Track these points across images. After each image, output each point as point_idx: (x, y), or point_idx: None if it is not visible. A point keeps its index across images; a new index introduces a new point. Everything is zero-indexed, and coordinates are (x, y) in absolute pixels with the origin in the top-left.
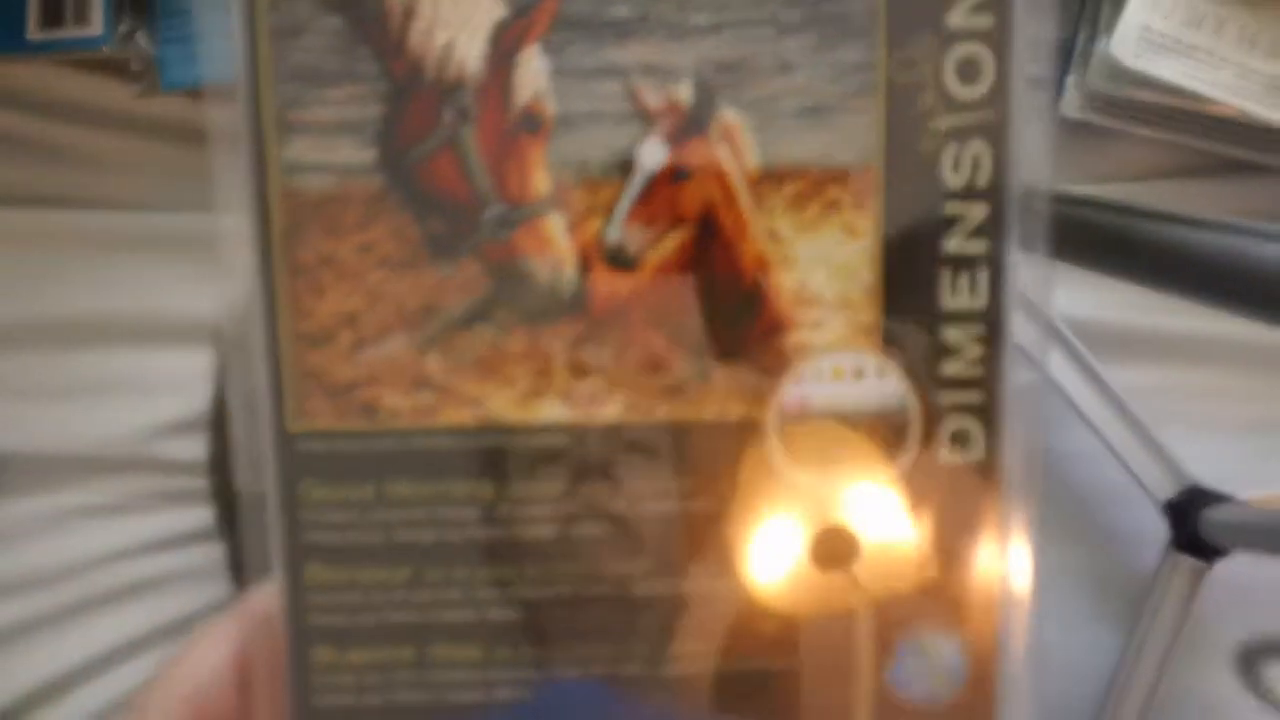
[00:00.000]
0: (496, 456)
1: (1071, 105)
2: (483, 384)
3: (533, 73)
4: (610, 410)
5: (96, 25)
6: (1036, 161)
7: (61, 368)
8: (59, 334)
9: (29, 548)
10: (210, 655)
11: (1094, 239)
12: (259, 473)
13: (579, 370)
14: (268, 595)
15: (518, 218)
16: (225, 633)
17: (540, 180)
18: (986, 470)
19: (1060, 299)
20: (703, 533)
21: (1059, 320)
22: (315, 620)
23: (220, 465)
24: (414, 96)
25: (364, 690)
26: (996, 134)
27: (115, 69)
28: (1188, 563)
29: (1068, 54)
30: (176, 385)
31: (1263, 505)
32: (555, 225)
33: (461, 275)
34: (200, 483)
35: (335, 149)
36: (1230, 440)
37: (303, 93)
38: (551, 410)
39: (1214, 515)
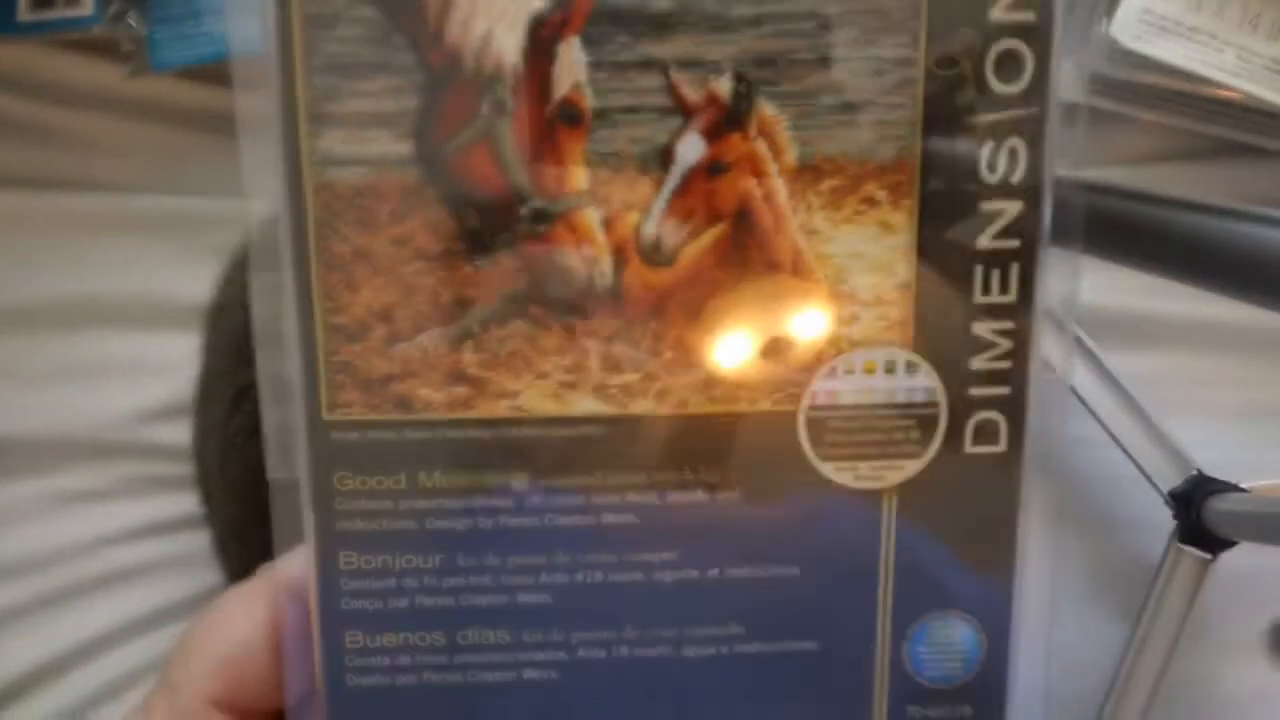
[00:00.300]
0: (530, 447)
1: (1071, 88)
2: (518, 378)
3: (571, 65)
4: (644, 404)
5: (87, 5)
6: (1072, 155)
7: (50, 351)
8: (47, 317)
9: (18, 532)
10: (244, 620)
11: (1095, 223)
12: (291, 461)
13: (613, 365)
14: (295, 564)
15: (555, 211)
16: (257, 598)
17: (578, 174)
18: (1008, 461)
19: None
20: (727, 524)
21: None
22: (348, 605)
23: (201, 450)
24: (451, 88)
25: (397, 671)
26: (1034, 131)
27: (106, 49)
28: (1192, 554)
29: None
30: (166, 369)
31: (1270, 494)
32: (592, 219)
33: (497, 269)
34: (186, 469)
35: (370, 141)
36: (1237, 427)
37: (337, 84)
38: (585, 403)
39: (1219, 505)
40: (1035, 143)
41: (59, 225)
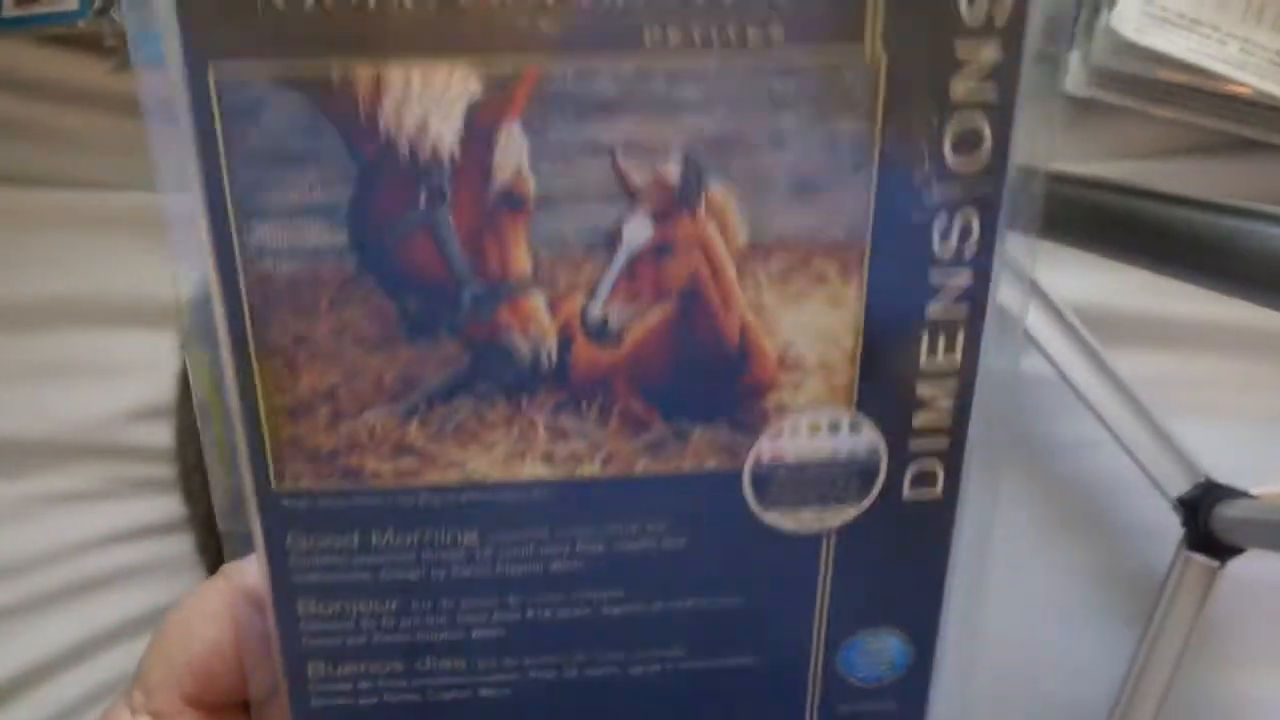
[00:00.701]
0: (479, 509)
1: (1075, 82)
2: (464, 449)
3: (512, 151)
4: (591, 468)
5: (71, 0)
6: (1025, 229)
7: (28, 350)
8: (26, 316)
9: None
10: (209, 621)
11: (1101, 221)
12: (243, 519)
13: (560, 434)
14: (252, 570)
15: (498, 297)
16: (219, 603)
17: (521, 258)
18: (944, 504)
19: (1066, 283)
20: (672, 565)
21: (1065, 306)
22: (309, 642)
23: (183, 450)
24: (386, 177)
25: (358, 694)
26: (988, 205)
27: (90, 45)
28: (1201, 561)
29: (1070, 30)
30: (145, 369)
31: (1278, 500)
32: (536, 303)
33: (440, 351)
34: (170, 470)
35: (304, 233)
36: (1246, 432)
37: (264, 175)
38: (533, 469)
39: (1228, 511)
40: (989, 216)
41: (39, 223)
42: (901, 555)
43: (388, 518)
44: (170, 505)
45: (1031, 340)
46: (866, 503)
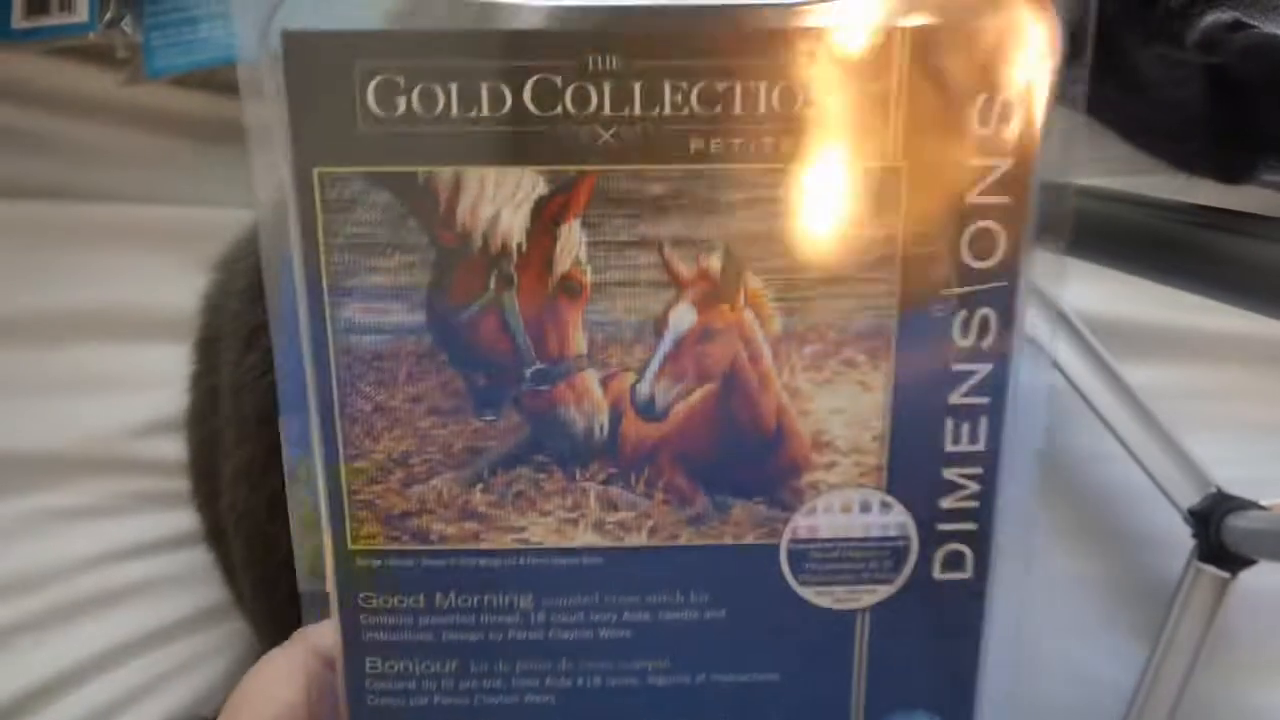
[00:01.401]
0: (534, 573)
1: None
2: (523, 515)
3: (572, 243)
4: (638, 537)
5: (82, 12)
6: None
7: (38, 364)
8: (35, 330)
9: (8, 551)
10: (284, 687)
11: (1113, 233)
12: (319, 577)
13: (610, 505)
14: (326, 633)
15: (556, 374)
16: (295, 664)
17: (577, 340)
18: (974, 586)
19: (1077, 294)
20: (715, 637)
21: (1075, 318)
22: (374, 701)
23: (204, 473)
24: (461, 264)
25: None
26: (1004, 301)
27: (100, 57)
28: (1212, 572)
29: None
30: (156, 382)
31: None
32: (590, 380)
33: (504, 423)
34: (180, 484)
35: (387, 312)
36: (1257, 443)
37: (357, 261)
38: (585, 537)
39: (1239, 523)
40: (1005, 312)
41: (49, 235)
42: (934, 636)
43: (451, 579)
44: (182, 520)
45: (1043, 351)
46: (898, 582)
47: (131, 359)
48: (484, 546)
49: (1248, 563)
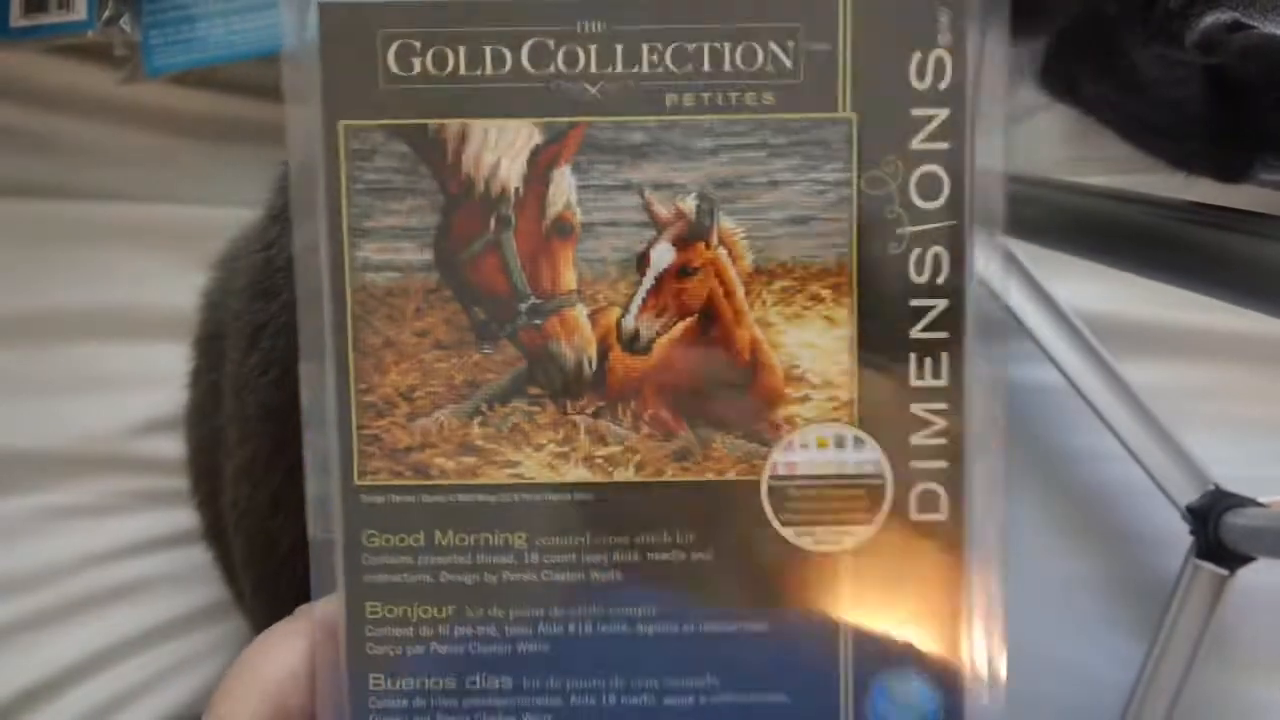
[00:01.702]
0: (528, 510)
1: None
2: (518, 450)
3: (564, 188)
4: (625, 473)
5: (80, 10)
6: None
7: (37, 363)
8: (34, 328)
9: (8, 549)
10: (286, 654)
11: (1111, 231)
12: (328, 522)
13: (599, 438)
14: (330, 606)
15: (549, 309)
16: (297, 635)
17: (568, 277)
18: (951, 529)
19: (1075, 292)
20: (702, 581)
21: (1074, 316)
22: (372, 650)
23: (204, 471)
24: (465, 207)
25: (413, 712)
26: (953, 239)
27: (99, 55)
28: (1210, 569)
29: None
30: (156, 381)
31: None
32: (580, 315)
33: (501, 356)
34: (180, 483)
35: (399, 251)
36: (1255, 441)
37: (373, 204)
38: (576, 472)
39: (1237, 520)
40: (955, 249)
41: (47, 234)
42: (916, 583)
43: (449, 516)
44: (182, 517)
45: (1042, 350)
46: (877, 522)
47: (130, 357)
48: (480, 481)
49: (1246, 560)
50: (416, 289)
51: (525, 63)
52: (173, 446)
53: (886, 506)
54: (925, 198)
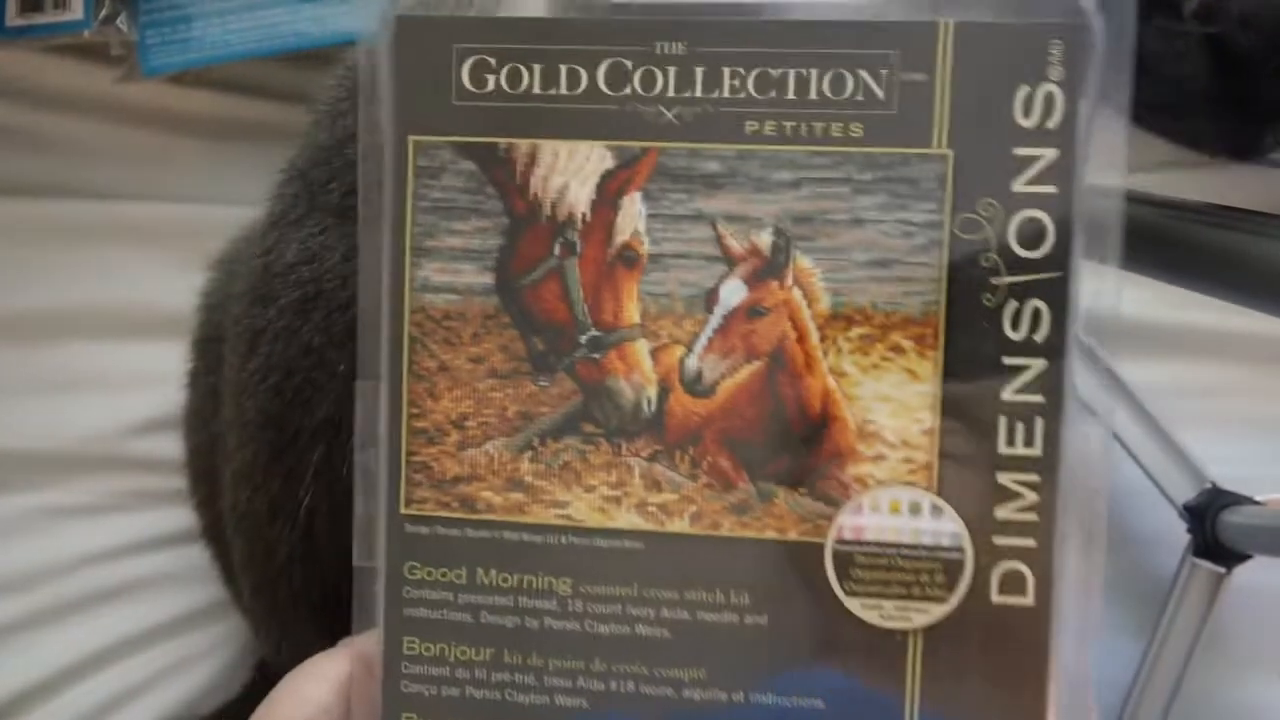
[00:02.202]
0: (574, 555)
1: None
2: (568, 489)
3: (633, 215)
4: (679, 523)
5: (77, 9)
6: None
7: (33, 363)
8: (32, 327)
9: (5, 549)
10: (320, 690)
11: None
12: (372, 551)
13: (653, 484)
14: (370, 640)
15: (609, 342)
16: (334, 667)
17: (631, 309)
18: (1037, 616)
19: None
20: (755, 648)
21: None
22: (408, 688)
23: (202, 473)
24: (529, 230)
25: None
26: (1056, 293)
27: (95, 54)
28: (1207, 568)
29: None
30: (152, 380)
31: None
32: (641, 351)
33: (557, 389)
34: (176, 483)
35: (460, 273)
36: (1253, 439)
37: (438, 223)
38: (627, 517)
39: (1234, 518)
40: (1057, 304)
41: (44, 234)
42: (995, 671)
43: (493, 553)
44: (178, 517)
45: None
46: (952, 602)
47: (127, 357)
48: (527, 520)
49: (1243, 558)
50: (475, 313)
51: (601, 83)
52: (170, 446)
53: (965, 585)
54: (1026, 246)
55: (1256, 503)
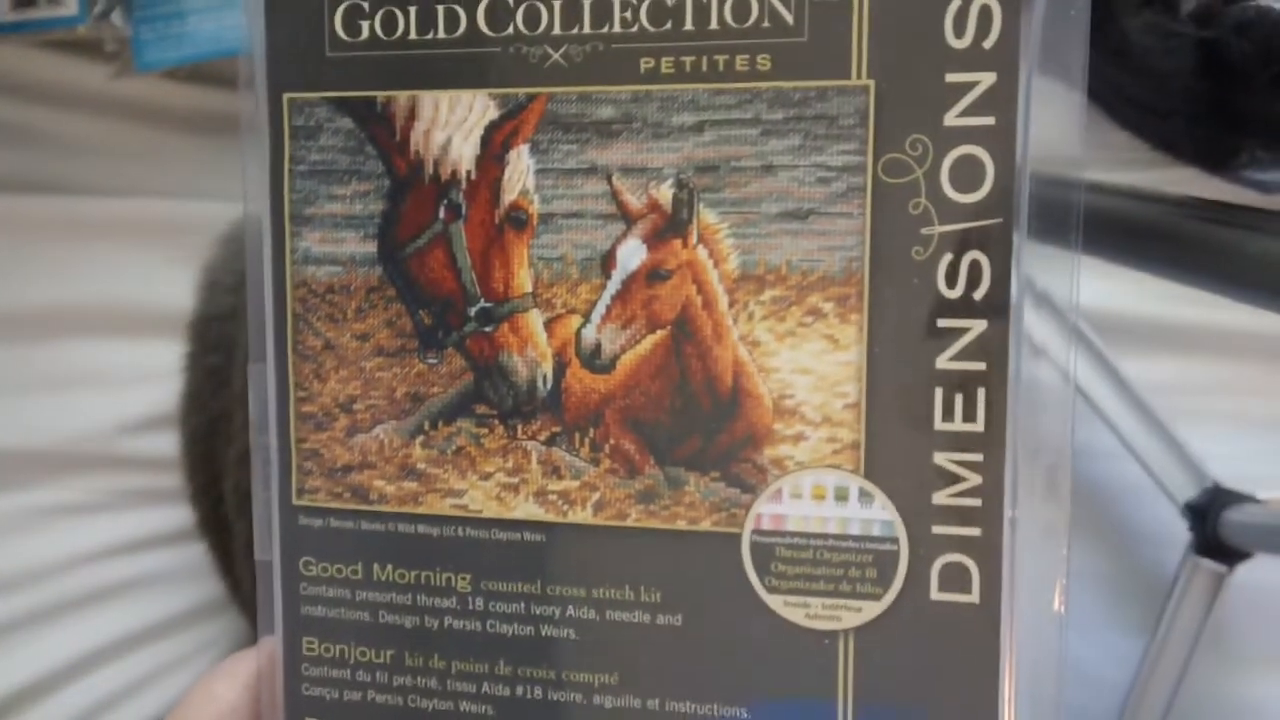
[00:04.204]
0: (472, 548)
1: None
2: (463, 477)
3: (520, 170)
4: (582, 513)
5: (71, 4)
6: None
7: (28, 361)
8: (25, 326)
9: (1, 547)
10: (229, 691)
11: (1108, 226)
12: (269, 543)
13: (552, 470)
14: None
15: (500, 314)
16: (246, 666)
17: (523, 277)
18: (983, 614)
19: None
20: (670, 651)
21: (1071, 310)
22: (308, 691)
23: (201, 458)
24: (412, 192)
25: None
26: (998, 243)
27: (89, 50)
28: (1208, 566)
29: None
30: (146, 379)
31: None
32: (535, 322)
33: (446, 367)
34: (171, 480)
35: (342, 241)
36: (1254, 438)
37: (316, 188)
38: (526, 507)
39: (1235, 517)
40: (999, 255)
41: (38, 230)
42: (935, 677)
43: (389, 548)
44: (173, 516)
45: (1037, 345)
46: (887, 599)
47: (123, 354)
48: (422, 511)
49: (1244, 556)
50: (359, 286)
51: (482, 24)
52: (165, 444)
53: (899, 581)
54: (961, 189)
55: (1258, 501)
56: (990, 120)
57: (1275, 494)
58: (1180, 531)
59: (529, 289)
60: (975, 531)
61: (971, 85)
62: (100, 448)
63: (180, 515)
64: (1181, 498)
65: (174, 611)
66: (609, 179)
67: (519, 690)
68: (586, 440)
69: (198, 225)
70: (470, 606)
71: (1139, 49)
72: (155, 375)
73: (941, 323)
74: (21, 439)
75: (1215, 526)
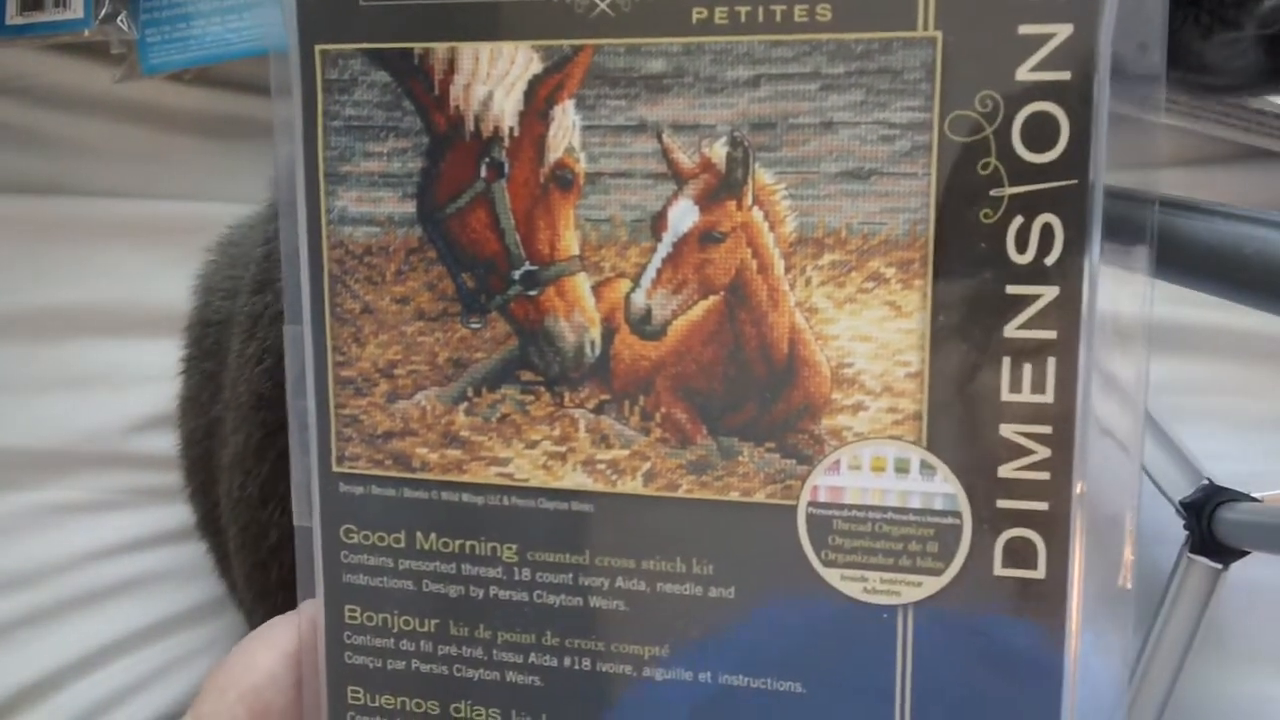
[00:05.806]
0: (518, 517)
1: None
2: (508, 445)
3: (566, 127)
4: (632, 483)
5: (77, 8)
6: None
7: (35, 360)
8: (31, 326)
9: (7, 546)
10: (268, 653)
11: (1107, 226)
12: (310, 509)
13: (601, 439)
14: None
15: (546, 277)
16: (283, 634)
17: (569, 239)
18: (1049, 592)
19: None
20: (722, 624)
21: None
22: (351, 659)
23: (198, 460)
24: (452, 150)
25: None
26: (1071, 206)
27: (96, 53)
28: (1204, 564)
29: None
30: (152, 378)
31: None
32: (582, 286)
33: (490, 331)
34: (176, 479)
35: (380, 201)
36: (1249, 436)
37: (352, 145)
38: (574, 476)
39: (1231, 515)
40: (1073, 220)
41: (44, 231)
42: (999, 655)
43: (433, 516)
44: (177, 515)
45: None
46: (948, 574)
47: (127, 354)
48: (466, 480)
49: (1239, 554)
50: (398, 247)
51: None
52: (169, 443)
53: (962, 555)
54: (1034, 148)
55: (1253, 499)
56: (1066, 75)
57: (1271, 492)
58: (1176, 529)
59: (576, 251)
60: (1043, 506)
61: (1047, 38)
62: (106, 446)
63: (185, 514)
64: (1177, 496)
65: (180, 609)
66: (659, 136)
67: (567, 661)
68: (636, 409)
69: (205, 227)
70: (517, 576)
71: (1214, 64)
72: (162, 374)
73: (1011, 289)
74: (30, 438)
75: (1211, 524)
